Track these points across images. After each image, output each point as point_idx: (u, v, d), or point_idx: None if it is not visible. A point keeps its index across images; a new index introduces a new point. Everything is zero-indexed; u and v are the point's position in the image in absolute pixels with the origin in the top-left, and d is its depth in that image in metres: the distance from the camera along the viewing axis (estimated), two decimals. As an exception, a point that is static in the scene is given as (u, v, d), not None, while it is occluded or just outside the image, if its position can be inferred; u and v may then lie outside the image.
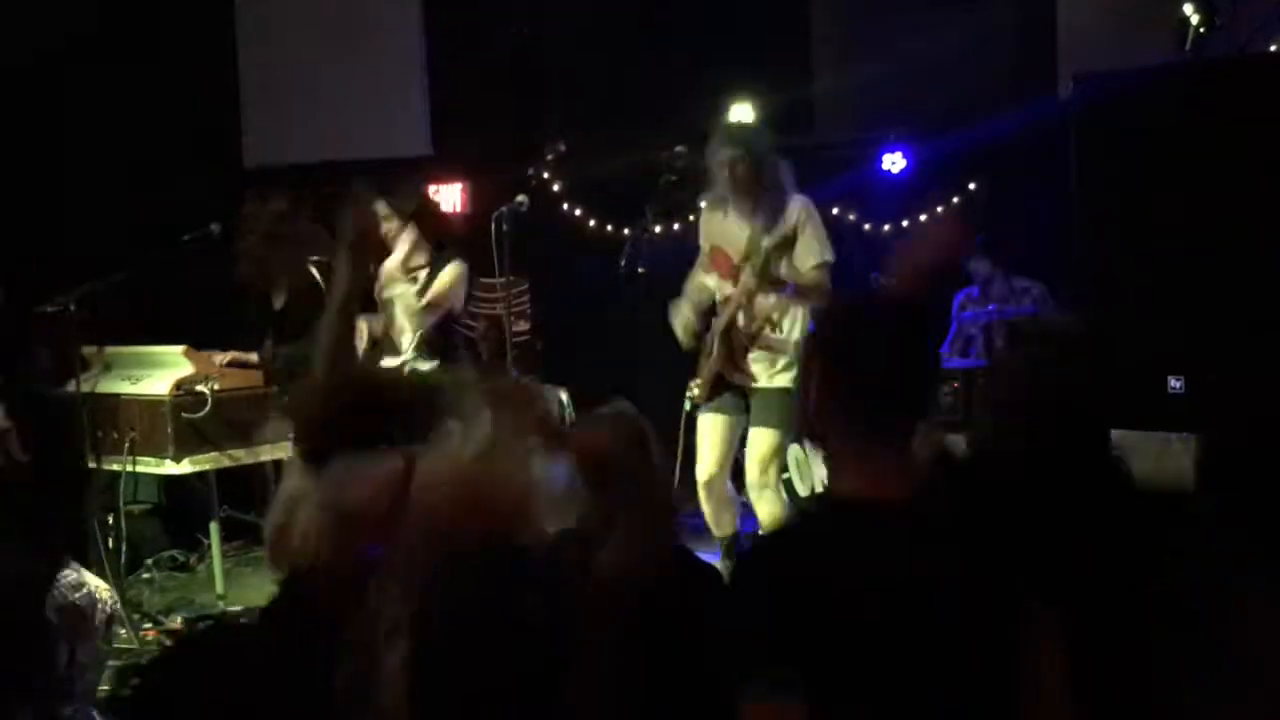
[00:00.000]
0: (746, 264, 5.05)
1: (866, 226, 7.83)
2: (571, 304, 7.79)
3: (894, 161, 7.68)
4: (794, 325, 5.12)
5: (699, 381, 5.28)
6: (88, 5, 7.95)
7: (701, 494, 5.25)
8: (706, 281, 5.26)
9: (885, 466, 2.05)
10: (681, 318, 5.23)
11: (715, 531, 5.35)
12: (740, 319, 5.10)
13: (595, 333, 7.58)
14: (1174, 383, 3.81)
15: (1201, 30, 5.33)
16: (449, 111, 8.28)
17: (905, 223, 7.83)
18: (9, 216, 7.34)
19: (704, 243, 5.29)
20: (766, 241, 4.95)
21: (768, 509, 5.12)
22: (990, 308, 7.01)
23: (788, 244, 4.98)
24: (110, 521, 5.59)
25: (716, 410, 5.23)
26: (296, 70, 8.33)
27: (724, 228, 5.17)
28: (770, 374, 5.16)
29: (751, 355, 5.13)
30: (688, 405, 5.35)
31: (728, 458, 5.25)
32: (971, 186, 7.73)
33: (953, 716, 1.97)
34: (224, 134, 8.45)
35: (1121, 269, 4.06)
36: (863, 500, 2.05)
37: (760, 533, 5.17)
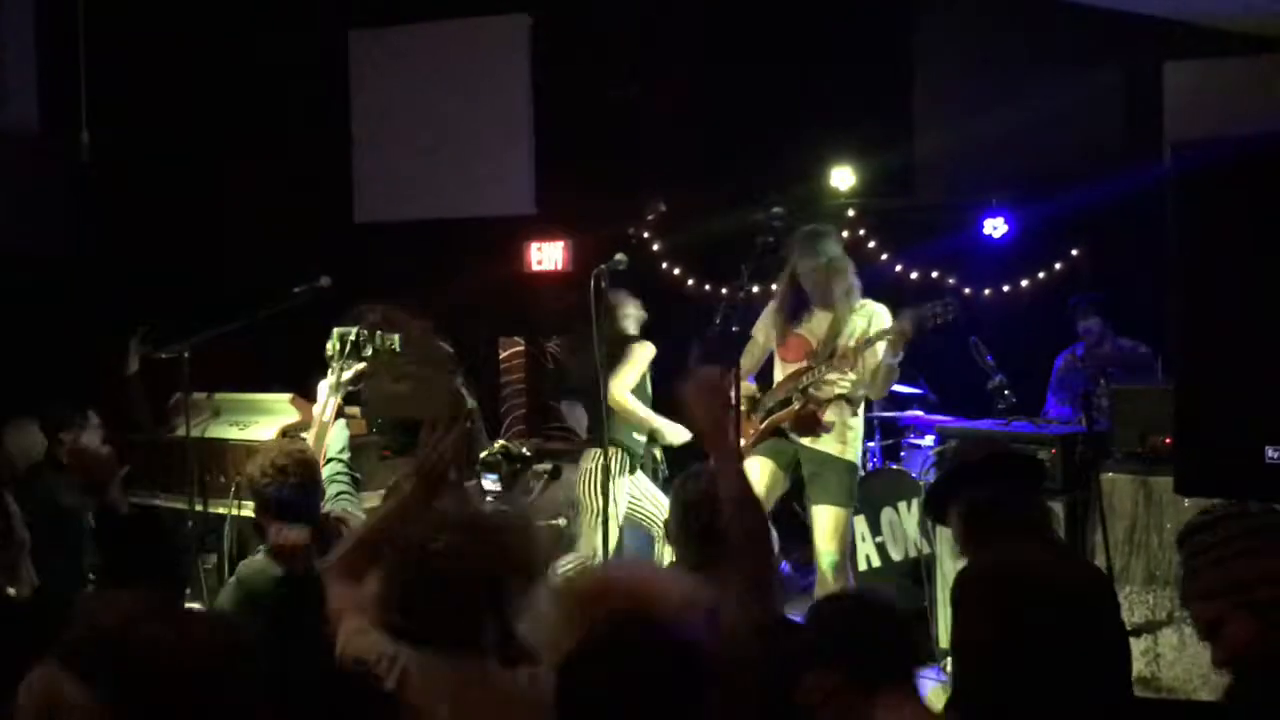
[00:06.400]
0: (827, 346, 5.40)
1: (967, 291, 7.80)
2: (667, 361, 7.86)
3: (995, 226, 7.65)
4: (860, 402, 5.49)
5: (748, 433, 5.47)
6: (207, 62, 8.30)
7: None
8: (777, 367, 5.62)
9: None
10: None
11: None
12: (803, 400, 5.41)
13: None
14: (1271, 452, 3.75)
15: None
16: (552, 172, 8.45)
17: (1006, 287, 7.79)
18: (145, 271, 7.69)
19: (761, 334, 5.66)
20: (872, 326, 5.37)
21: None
22: (1090, 372, 6.92)
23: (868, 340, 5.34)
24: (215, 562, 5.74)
25: (764, 454, 5.46)
26: (406, 130, 8.57)
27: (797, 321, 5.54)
28: (842, 448, 5.43)
29: (827, 418, 5.40)
30: None
31: (769, 503, 5.37)
32: (1074, 253, 7.67)
33: None
34: (336, 191, 8.71)
35: (1218, 336, 4.00)
36: None
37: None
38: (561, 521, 6.30)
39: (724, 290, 7.14)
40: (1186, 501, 4.71)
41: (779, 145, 7.67)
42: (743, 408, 5.46)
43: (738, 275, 5.99)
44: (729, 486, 2.72)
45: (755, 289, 5.67)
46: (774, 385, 5.60)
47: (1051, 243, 7.64)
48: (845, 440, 5.45)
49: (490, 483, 5.90)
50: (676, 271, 8.11)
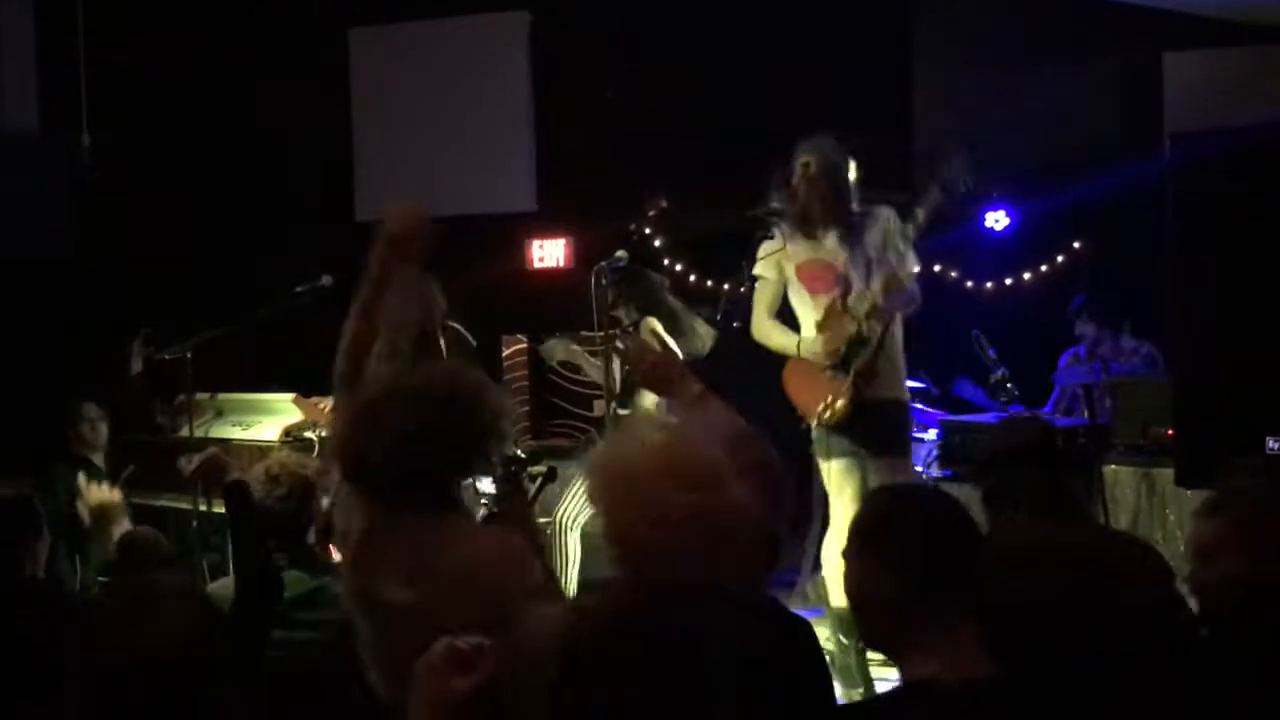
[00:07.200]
0: (855, 266, 4.90)
1: (969, 284, 7.80)
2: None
3: (997, 219, 7.64)
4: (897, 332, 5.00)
5: (833, 402, 4.85)
6: (207, 62, 8.30)
7: None
8: (799, 307, 5.11)
9: (962, 647, 2.13)
10: (808, 342, 4.99)
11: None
12: (877, 323, 4.82)
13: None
14: (1272, 443, 3.76)
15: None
16: (553, 169, 8.45)
17: (1009, 280, 7.79)
18: (147, 271, 7.70)
19: (772, 270, 5.13)
20: (891, 225, 4.84)
21: None
22: (1094, 365, 6.93)
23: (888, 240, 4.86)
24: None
25: (851, 455, 4.89)
26: (407, 128, 8.57)
27: (811, 245, 5.05)
28: (900, 387, 5.00)
29: (880, 360, 4.88)
30: (819, 426, 4.90)
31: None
32: (1076, 245, 7.67)
33: None
34: (337, 189, 8.71)
35: (1218, 329, 4.01)
36: (948, 684, 2.11)
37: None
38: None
39: (725, 286, 7.14)
40: (1189, 493, 4.72)
41: (779, 140, 7.64)
42: (823, 373, 4.91)
43: (738, 270, 5.99)
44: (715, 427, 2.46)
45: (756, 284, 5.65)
46: (818, 330, 4.97)
47: (1053, 235, 7.64)
48: (900, 376, 5.00)
49: (485, 485, 5.89)
50: (678, 267, 8.10)
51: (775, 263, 5.16)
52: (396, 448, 2.56)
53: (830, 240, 5.03)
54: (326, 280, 5.74)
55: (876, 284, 4.80)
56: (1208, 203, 4.02)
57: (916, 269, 4.96)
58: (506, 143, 8.49)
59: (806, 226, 5.03)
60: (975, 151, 5.11)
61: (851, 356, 4.86)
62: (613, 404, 5.86)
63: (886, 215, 4.95)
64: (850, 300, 4.85)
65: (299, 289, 5.73)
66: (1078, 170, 7.08)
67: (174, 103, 8.31)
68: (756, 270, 5.22)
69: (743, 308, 5.86)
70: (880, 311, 4.80)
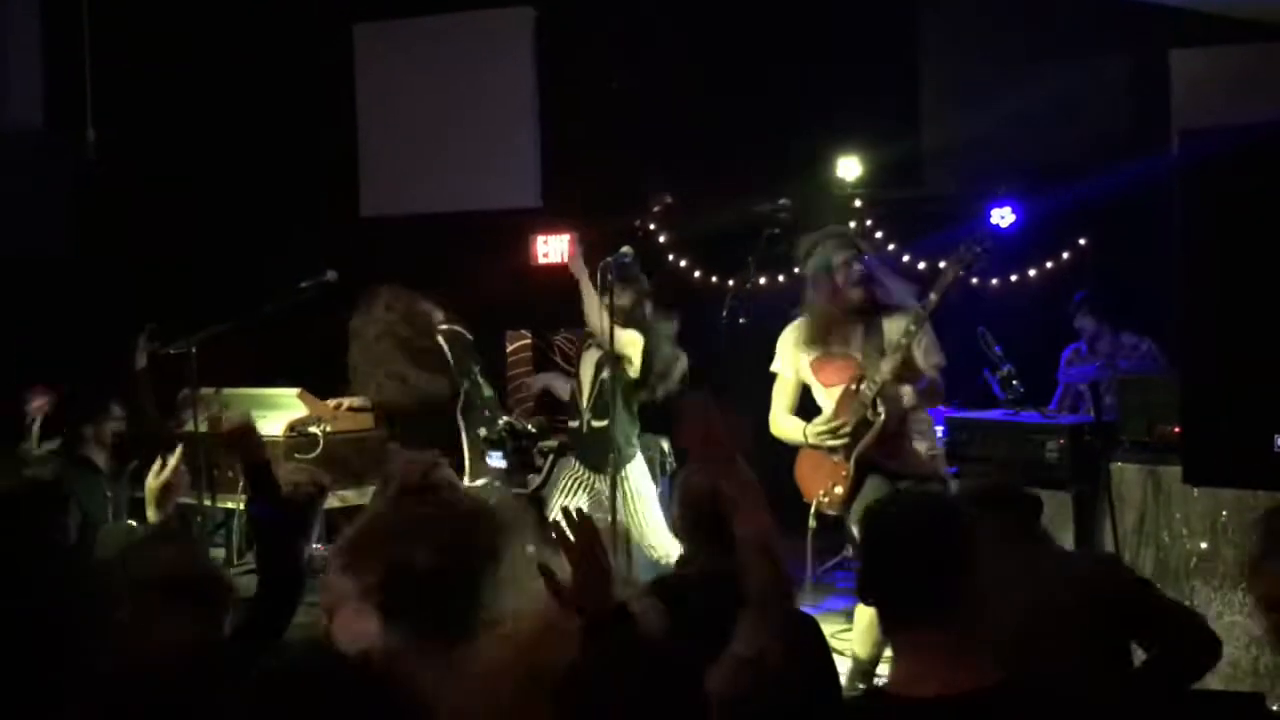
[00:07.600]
0: (870, 360, 4.87)
1: (974, 281, 7.77)
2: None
3: (1002, 216, 7.62)
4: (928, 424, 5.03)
5: (832, 488, 4.89)
6: (211, 58, 8.31)
7: None
8: (817, 396, 5.07)
9: (927, 662, 2.13)
10: (816, 423, 4.98)
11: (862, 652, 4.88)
12: (883, 406, 4.79)
13: (697, 382, 7.62)
14: (1280, 441, 3.75)
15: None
16: (558, 164, 8.44)
17: (1014, 277, 7.77)
18: (151, 267, 7.69)
19: (788, 367, 5.11)
20: (909, 326, 4.77)
21: None
22: (1098, 364, 6.92)
23: (910, 337, 4.82)
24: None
25: None
26: (412, 125, 8.57)
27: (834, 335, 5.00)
28: (938, 466, 5.00)
29: (911, 438, 4.90)
30: (814, 522, 4.94)
31: None
32: (1082, 242, 7.66)
33: None
34: (342, 186, 8.71)
35: (1226, 326, 3.99)
36: (893, 696, 2.13)
37: None
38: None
39: (730, 282, 7.13)
40: (1196, 491, 4.70)
41: (785, 136, 7.65)
42: (829, 458, 4.93)
43: (744, 267, 5.98)
44: (743, 535, 2.43)
45: (762, 280, 5.63)
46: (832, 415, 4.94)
47: (1059, 233, 7.62)
48: (937, 457, 5.03)
49: (496, 460, 5.87)
50: (683, 264, 8.10)
51: (792, 359, 5.11)
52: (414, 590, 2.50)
53: (852, 330, 4.96)
54: (331, 275, 5.76)
55: (886, 366, 4.76)
56: (1215, 200, 4.01)
57: (941, 362, 4.91)
58: (511, 139, 8.48)
59: (827, 342, 4.99)
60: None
61: (856, 440, 4.83)
62: (586, 416, 5.82)
63: (911, 313, 4.88)
64: (862, 386, 4.82)
65: (304, 284, 5.75)
66: (1084, 167, 7.06)
67: (178, 99, 8.31)
68: (774, 366, 5.18)
69: (747, 304, 5.85)
70: (890, 394, 4.76)
